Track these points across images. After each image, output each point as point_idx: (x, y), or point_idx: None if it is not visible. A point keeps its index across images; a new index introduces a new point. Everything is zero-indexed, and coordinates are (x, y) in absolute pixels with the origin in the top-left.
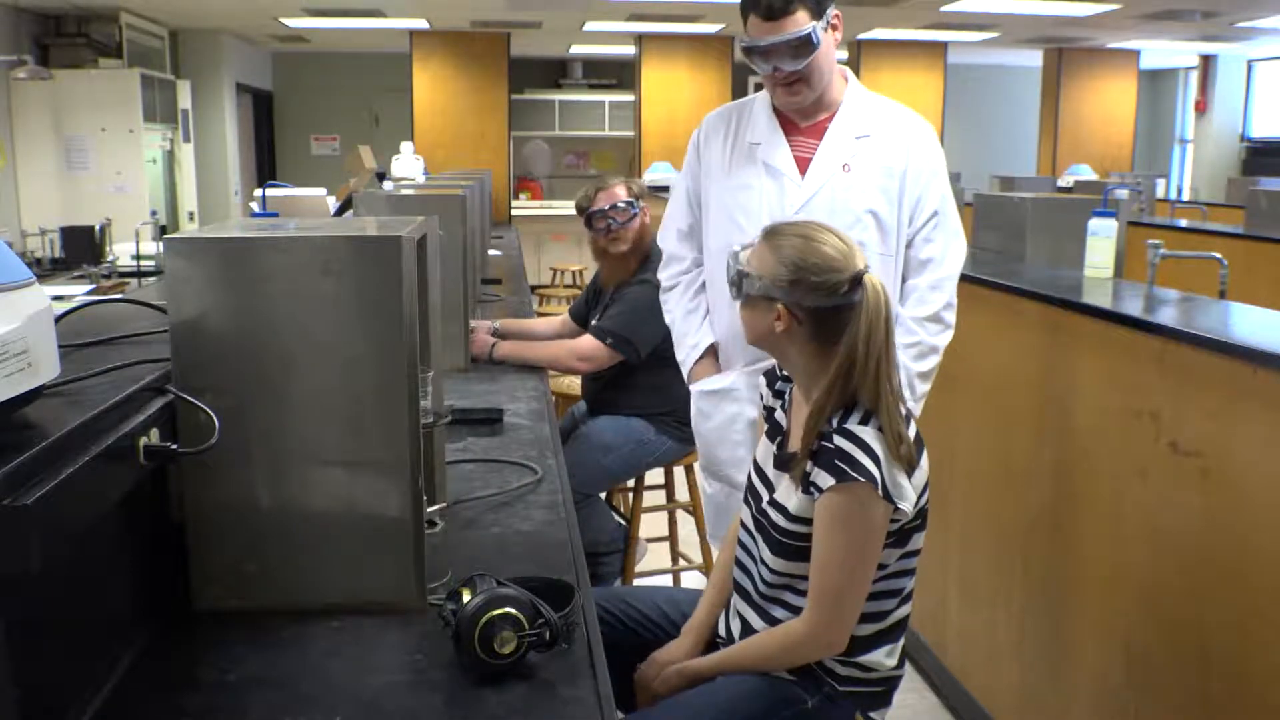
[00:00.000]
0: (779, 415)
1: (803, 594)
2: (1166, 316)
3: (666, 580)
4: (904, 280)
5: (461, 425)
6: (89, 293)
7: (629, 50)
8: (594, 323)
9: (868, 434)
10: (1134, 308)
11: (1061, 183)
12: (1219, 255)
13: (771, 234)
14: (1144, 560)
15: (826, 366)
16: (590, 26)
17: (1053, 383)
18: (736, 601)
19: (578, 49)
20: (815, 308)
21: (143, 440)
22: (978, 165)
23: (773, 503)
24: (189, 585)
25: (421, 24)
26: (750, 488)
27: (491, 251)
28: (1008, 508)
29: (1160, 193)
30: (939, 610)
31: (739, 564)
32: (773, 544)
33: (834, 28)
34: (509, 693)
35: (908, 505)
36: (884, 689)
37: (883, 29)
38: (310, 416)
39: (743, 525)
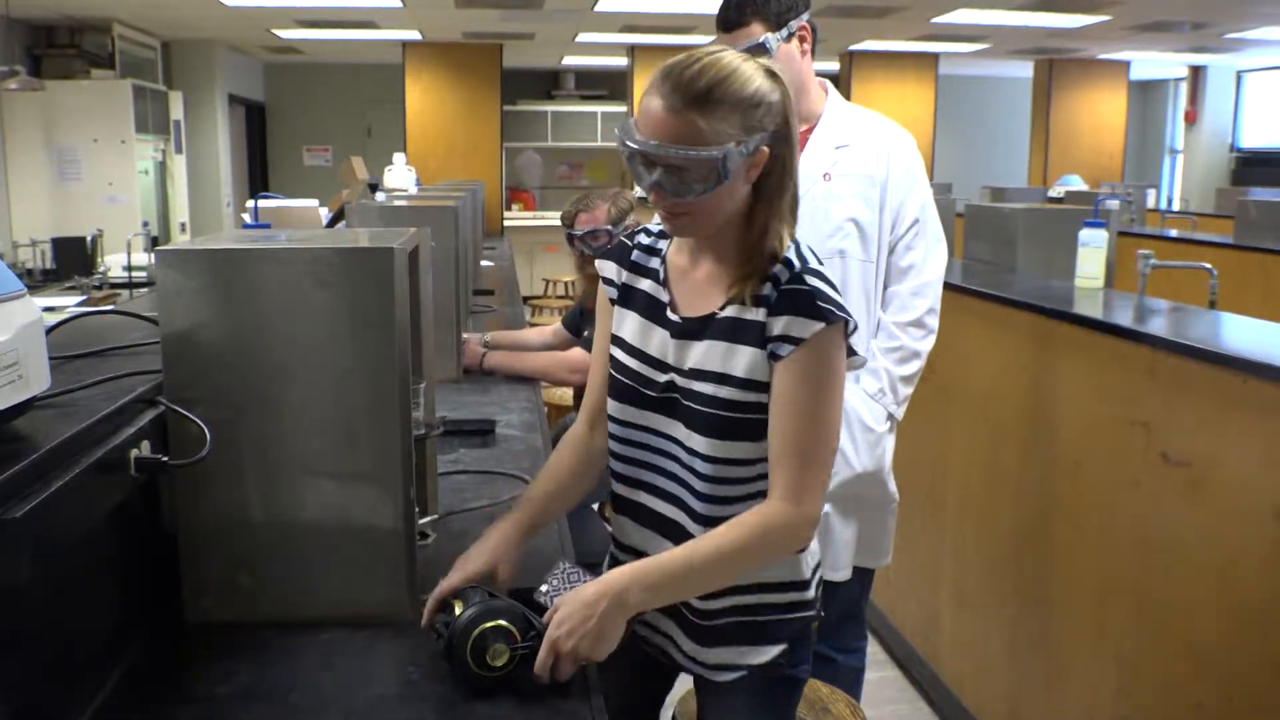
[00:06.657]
0: (648, 287)
1: (746, 481)
2: (1157, 327)
3: None
4: (886, 287)
5: (453, 437)
6: (80, 304)
7: (621, 61)
8: (586, 334)
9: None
10: (1124, 318)
11: (1052, 193)
12: (1209, 265)
13: (679, 90)
14: (1135, 570)
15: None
16: (583, 38)
17: (1044, 393)
18: (662, 544)
19: (570, 60)
20: (775, 130)
21: (134, 452)
22: (969, 176)
23: (695, 373)
24: (181, 598)
25: (414, 35)
26: (633, 377)
27: (484, 262)
28: (1000, 518)
29: (1150, 203)
30: (932, 620)
31: (654, 492)
32: (708, 424)
33: (802, 39)
34: (501, 705)
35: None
36: (803, 616)
37: (873, 40)
38: (302, 428)
39: (632, 444)
